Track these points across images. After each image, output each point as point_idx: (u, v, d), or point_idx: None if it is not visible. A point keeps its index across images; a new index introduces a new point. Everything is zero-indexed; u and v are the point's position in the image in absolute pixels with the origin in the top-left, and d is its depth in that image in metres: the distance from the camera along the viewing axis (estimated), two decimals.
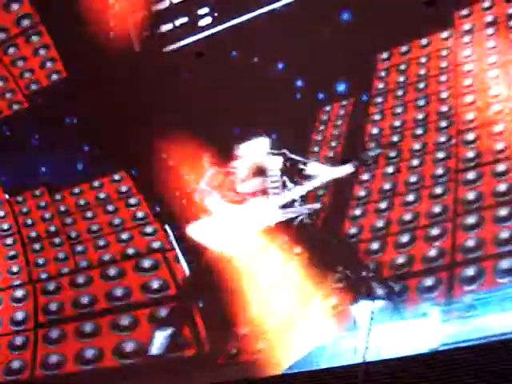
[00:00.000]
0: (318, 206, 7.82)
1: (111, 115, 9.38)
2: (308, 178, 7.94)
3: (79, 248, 9.38)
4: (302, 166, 7.81)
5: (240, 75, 9.03)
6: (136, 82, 9.23)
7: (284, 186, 7.86)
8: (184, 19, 9.27)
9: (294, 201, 7.80)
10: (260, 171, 7.97)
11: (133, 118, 9.28)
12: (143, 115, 9.16)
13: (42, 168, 9.83)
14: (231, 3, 9.19)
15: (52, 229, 9.66)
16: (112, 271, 8.64)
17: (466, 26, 8.90)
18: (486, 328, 6.82)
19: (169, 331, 7.91)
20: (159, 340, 7.84)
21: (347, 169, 7.86)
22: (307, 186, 7.82)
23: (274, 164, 7.86)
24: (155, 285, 8.42)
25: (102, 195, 9.78)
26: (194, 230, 8.30)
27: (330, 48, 8.87)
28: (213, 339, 7.79)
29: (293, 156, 7.93)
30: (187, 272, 8.42)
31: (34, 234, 9.74)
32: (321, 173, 7.77)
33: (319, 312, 7.69)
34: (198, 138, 8.81)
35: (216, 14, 9.15)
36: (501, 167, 7.88)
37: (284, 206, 7.87)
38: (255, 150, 8.12)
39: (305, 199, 7.94)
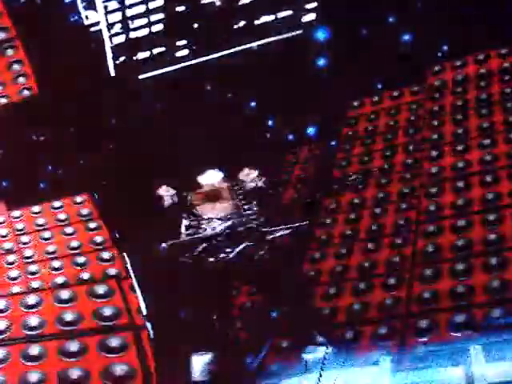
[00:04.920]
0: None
1: (79, 136, 9.33)
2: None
3: (33, 268, 9.25)
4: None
5: (213, 109, 9.10)
6: (108, 106, 9.21)
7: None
8: (162, 49, 9.36)
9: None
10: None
11: (101, 141, 9.24)
12: (112, 139, 9.13)
13: (3, 183, 9.68)
14: (210, 38, 9.31)
15: (7, 246, 9.48)
16: (64, 295, 8.46)
17: (437, 82, 9.19)
18: (436, 380, 6.83)
19: None
20: None
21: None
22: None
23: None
24: (107, 312, 8.25)
25: (61, 216, 9.68)
26: None
27: (303, 91, 9.03)
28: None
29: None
30: (141, 301, 8.29)
31: None
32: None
33: (269, 354, 7.61)
34: (161, 170, 8.79)
35: (194, 47, 9.26)
36: (461, 222, 8.02)
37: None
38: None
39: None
